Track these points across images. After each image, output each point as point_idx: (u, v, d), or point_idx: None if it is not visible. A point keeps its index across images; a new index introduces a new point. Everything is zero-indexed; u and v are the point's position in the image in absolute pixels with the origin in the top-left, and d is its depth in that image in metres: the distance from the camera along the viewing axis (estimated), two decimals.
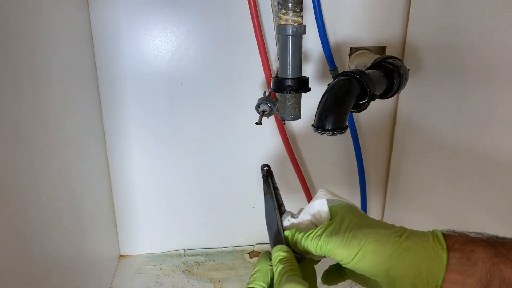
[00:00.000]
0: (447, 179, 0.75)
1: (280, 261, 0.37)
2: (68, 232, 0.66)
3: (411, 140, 0.88)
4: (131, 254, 1.01)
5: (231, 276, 0.93)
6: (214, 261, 0.99)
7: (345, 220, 0.38)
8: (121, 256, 1.01)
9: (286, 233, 0.41)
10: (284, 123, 0.89)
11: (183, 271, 0.95)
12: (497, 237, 0.34)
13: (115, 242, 0.98)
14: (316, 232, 0.38)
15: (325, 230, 0.38)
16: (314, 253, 0.38)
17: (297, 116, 0.73)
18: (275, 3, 0.76)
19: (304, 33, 0.65)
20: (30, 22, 0.56)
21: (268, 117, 0.80)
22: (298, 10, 0.64)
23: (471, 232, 0.35)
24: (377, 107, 0.90)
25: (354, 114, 0.91)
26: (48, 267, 0.58)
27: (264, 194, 0.46)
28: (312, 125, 0.58)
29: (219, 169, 0.96)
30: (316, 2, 0.80)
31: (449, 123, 0.73)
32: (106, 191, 0.92)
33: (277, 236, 0.42)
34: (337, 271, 0.43)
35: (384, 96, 0.70)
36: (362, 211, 0.41)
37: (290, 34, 0.64)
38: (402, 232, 0.36)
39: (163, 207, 0.98)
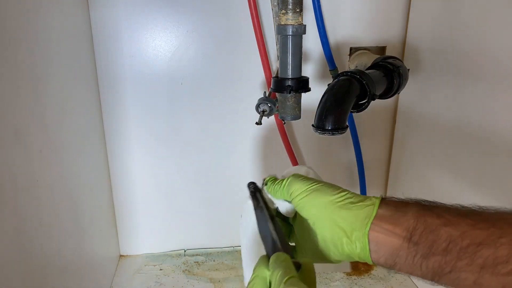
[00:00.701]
0: (447, 179, 0.75)
1: (277, 267, 0.37)
2: (68, 232, 0.66)
3: (411, 140, 0.88)
4: (131, 254, 1.01)
5: (231, 276, 0.93)
6: (214, 261, 0.99)
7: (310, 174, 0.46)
8: (121, 256, 1.01)
9: (267, 181, 0.47)
10: (284, 123, 0.89)
11: (183, 271, 0.95)
12: (429, 201, 0.38)
13: (115, 242, 0.98)
14: (281, 178, 0.45)
15: (290, 177, 0.44)
16: (280, 196, 0.44)
17: (297, 116, 0.73)
18: (275, 3, 0.76)
19: (304, 33, 0.65)
20: (30, 22, 0.56)
21: (268, 117, 0.80)
22: (298, 10, 0.64)
23: (407, 198, 0.39)
24: (377, 107, 0.90)
25: (354, 114, 0.90)
26: (48, 267, 0.58)
27: (254, 209, 0.46)
28: (312, 125, 0.58)
29: (219, 169, 0.96)
30: (316, 2, 0.80)
31: (449, 122, 0.73)
32: (106, 191, 0.92)
33: (274, 246, 0.42)
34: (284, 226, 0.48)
35: (384, 96, 0.70)
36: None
37: (290, 34, 0.64)
38: (347, 191, 0.40)
39: (163, 207, 0.98)
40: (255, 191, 0.48)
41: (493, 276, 0.30)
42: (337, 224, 0.38)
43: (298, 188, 0.41)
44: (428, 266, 0.33)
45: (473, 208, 0.35)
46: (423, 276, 0.34)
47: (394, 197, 0.39)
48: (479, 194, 0.66)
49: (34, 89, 0.56)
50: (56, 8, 0.66)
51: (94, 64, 0.84)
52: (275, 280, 0.35)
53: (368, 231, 0.36)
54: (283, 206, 0.45)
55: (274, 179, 0.47)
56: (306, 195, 0.40)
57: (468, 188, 0.69)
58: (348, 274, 0.93)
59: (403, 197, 0.39)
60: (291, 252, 0.41)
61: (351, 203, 0.38)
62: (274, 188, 0.46)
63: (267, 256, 0.41)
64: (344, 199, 0.39)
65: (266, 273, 0.38)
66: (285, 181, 0.44)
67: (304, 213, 0.41)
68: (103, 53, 0.83)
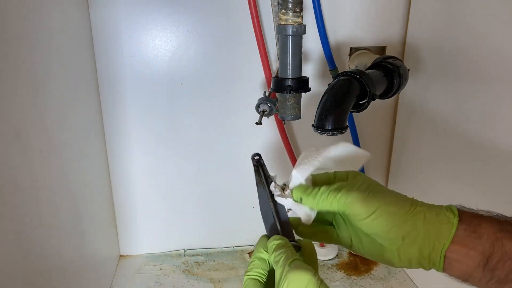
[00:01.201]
0: (448, 179, 0.75)
1: (276, 248, 0.37)
2: (68, 232, 0.66)
3: (411, 140, 0.88)
4: (131, 254, 1.01)
5: (231, 276, 0.93)
6: (214, 261, 0.99)
7: (360, 181, 0.39)
8: (121, 256, 1.01)
9: (295, 191, 0.41)
10: (284, 123, 0.89)
11: (183, 271, 0.95)
12: (505, 216, 0.35)
13: (115, 242, 0.98)
14: (332, 187, 0.38)
15: (341, 186, 0.38)
16: (329, 208, 0.38)
17: (297, 116, 0.73)
18: (275, 3, 0.76)
19: (304, 33, 0.65)
20: (29, 22, 0.56)
21: (268, 117, 0.80)
22: (298, 10, 0.64)
23: (480, 210, 0.36)
24: (377, 107, 0.90)
25: (354, 114, 0.90)
26: (48, 267, 0.58)
27: (257, 185, 0.44)
28: (312, 125, 0.58)
29: (219, 169, 0.96)
30: (316, 2, 0.80)
31: (449, 123, 0.73)
32: (106, 191, 0.92)
33: (273, 227, 0.41)
34: (325, 226, 0.43)
35: (384, 96, 0.70)
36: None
37: (290, 34, 0.64)
38: (416, 201, 0.37)
39: (163, 207, 0.98)
40: (258, 166, 0.44)
41: None
42: (411, 244, 0.35)
43: (364, 212, 0.36)
44: None
45: None
46: None
47: (466, 209, 0.36)
48: (479, 195, 0.66)
49: (34, 89, 0.56)
50: (56, 8, 0.66)
51: (94, 64, 0.84)
52: (278, 264, 0.35)
53: (445, 252, 0.34)
54: (305, 214, 0.41)
55: (308, 187, 0.40)
56: (375, 219, 0.35)
57: (468, 189, 0.68)
58: (348, 274, 0.93)
59: (474, 208, 0.36)
60: (292, 233, 0.41)
61: (425, 220, 0.35)
62: (318, 202, 0.39)
63: (267, 237, 0.40)
64: (416, 214, 0.35)
65: (266, 253, 0.38)
66: (338, 198, 0.37)
67: (370, 232, 0.37)
68: (103, 53, 0.83)
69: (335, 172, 0.42)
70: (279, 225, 0.40)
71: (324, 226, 0.44)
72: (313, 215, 0.41)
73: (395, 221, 0.35)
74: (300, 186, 0.41)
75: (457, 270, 0.34)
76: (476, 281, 0.33)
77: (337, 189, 0.38)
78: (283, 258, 0.35)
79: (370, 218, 0.35)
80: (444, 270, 0.34)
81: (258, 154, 0.44)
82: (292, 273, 0.33)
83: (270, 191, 0.42)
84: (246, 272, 0.38)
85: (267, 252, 0.38)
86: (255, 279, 0.37)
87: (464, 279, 0.34)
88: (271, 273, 0.38)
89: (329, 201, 0.38)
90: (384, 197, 0.36)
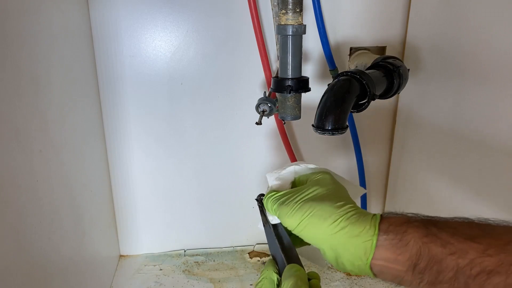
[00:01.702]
0: (448, 178, 0.75)
1: (290, 276, 0.38)
2: (68, 232, 0.66)
3: (411, 140, 0.88)
4: (131, 254, 1.01)
5: (231, 276, 0.93)
6: (214, 261, 0.99)
7: (306, 190, 0.41)
8: (121, 256, 1.01)
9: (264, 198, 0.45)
10: (284, 123, 0.89)
11: (183, 271, 0.95)
12: (432, 217, 0.36)
13: (115, 242, 0.98)
14: (275, 196, 0.43)
15: (282, 196, 0.42)
16: (272, 214, 0.43)
17: (297, 116, 0.73)
18: (275, 3, 0.76)
19: (304, 33, 0.65)
20: (29, 22, 0.56)
21: (268, 117, 0.80)
22: (298, 10, 0.64)
23: (408, 213, 0.37)
24: (377, 107, 0.90)
25: (354, 114, 0.90)
26: (48, 267, 0.58)
27: (263, 225, 0.46)
28: (312, 125, 0.58)
29: (219, 169, 0.96)
30: (316, 2, 0.80)
31: (449, 123, 0.73)
32: (106, 191, 0.92)
33: (282, 264, 0.42)
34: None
35: (384, 96, 0.70)
36: (334, 182, 0.43)
37: (290, 34, 0.64)
38: (346, 212, 0.38)
39: (163, 207, 0.98)
40: (263, 206, 0.47)
41: None
42: (340, 256, 0.37)
43: (291, 224, 0.40)
44: None
45: (481, 223, 0.34)
46: None
47: (392, 215, 0.37)
48: (479, 197, 0.66)
49: (34, 89, 0.56)
50: (56, 8, 0.66)
51: (94, 64, 0.84)
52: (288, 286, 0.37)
53: (370, 262, 0.35)
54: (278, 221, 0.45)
55: (270, 198, 0.45)
56: (301, 231, 0.39)
57: (468, 191, 0.68)
58: (348, 274, 0.93)
59: (401, 210, 0.38)
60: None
61: (347, 236, 0.36)
62: (266, 205, 0.45)
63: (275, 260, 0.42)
64: (339, 231, 0.37)
65: (275, 275, 0.40)
66: (274, 209, 0.42)
67: (306, 239, 0.40)
68: (103, 53, 0.83)
69: (308, 174, 0.46)
70: (287, 263, 0.41)
71: None
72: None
73: (319, 234, 0.37)
74: (267, 197, 0.45)
75: (388, 275, 0.35)
76: (409, 284, 0.34)
77: (275, 199, 0.42)
78: (292, 283, 0.37)
79: (296, 229, 0.39)
80: (376, 276, 0.36)
81: (263, 195, 0.47)
82: None
83: (275, 233, 0.44)
84: None
85: (276, 273, 0.40)
86: None
87: (397, 282, 0.35)
88: None
89: (270, 209, 0.43)
90: (311, 209, 0.38)
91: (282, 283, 0.38)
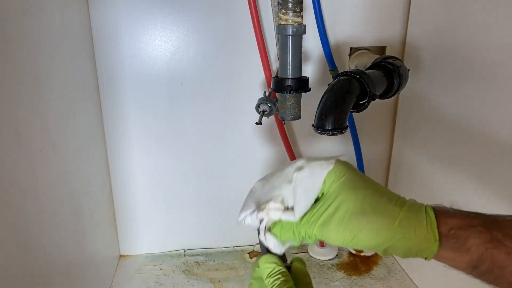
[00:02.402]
0: (448, 178, 0.75)
1: (269, 275, 0.38)
2: (68, 232, 0.66)
3: (411, 140, 0.88)
4: (131, 254, 1.01)
5: (231, 276, 0.93)
6: (214, 261, 0.99)
7: (340, 206, 0.37)
8: (121, 256, 1.01)
9: (275, 229, 0.39)
10: (284, 123, 0.89)
11: (183, 271, 0.95)
12: (495, 218, 0.34)
13: (115, 242, 0.98)
14: (310, 219, 0.37)
15: (318, 217, 0.37)
16: (310, 240, 0.38)
17: (297, 116, 0.73)
18: (275, 3, 0.76)
19: (304, 33, 0.65)
20: (30, 22, 0.56)
21: (268, 117, 0.80)
22: (298, 10, 0.64)
23: (465, 211, 0.35)
24: (377, 107, 0.90)
25: (354, 114, 0.90)
26: (48, 267, 0.58)
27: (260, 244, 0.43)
28: (312, 125, 0.58)
29: (219, 169, 0.96)
30: (316, 2, 0.80)
31: (449, 123, 0.73)
32: (106, 191, 0.92)
33: None
34: None
35: (384, 96, 0.70)
36: (355, 173, 0.40)
37: (290, 34, 0.64)
38: (395, 218, 0.35)
39: (163, 207, 0.98)
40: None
41: None
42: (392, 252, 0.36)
43: (338, 241, 0.36)
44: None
45: None
46: None
47: (445, 209, 0.35)
48: (480, 194, 0.66)
49: (34, 89, 0.56)
50: (56, 8, 0.66)
51: (94, 64, 0.84)
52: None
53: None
54: (279, 248, 0.40)
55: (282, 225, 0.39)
56: (349, 243, 0.36)
57: (468, 189, 0.68)
58: (348, 274, 0.93)
59: (455, 208, 0.36)
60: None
61: (405, 244, 0.34)
62: (301, 232, 0.38)
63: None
64: (395, 242, 0.34)
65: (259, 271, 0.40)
66: (313, 231, 0.37)
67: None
68: (103, 53, 0.83)
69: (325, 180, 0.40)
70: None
71: None
72: (284, 248, 0.40)
73: (371, 245, 0.35)
74: (276, 224, 0.40)
75: (447, 266, 0.35)
76: (466, 274, 0.34)
77: (313, 223, 0.37)
78: (277, 284, 0.36)
79: (344, 244, 0.36)
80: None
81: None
82: None
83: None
84: None
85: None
86: None
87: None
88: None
89: (307, 234, 0.38)
90: (359, 225, 0.35)
91: (264, 279, 0.38)
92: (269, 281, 0.37)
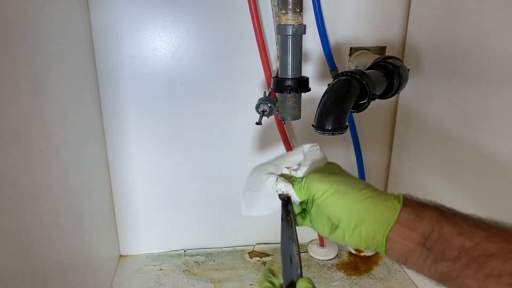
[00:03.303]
0: (448, 178, 0.75)
1: None
2: (68, 232, 0.66)
3: (411, 140, 0.88)
4: (131, 254, 1.01)
5: (231, 276, 0.93)
6: (214, 261, 0.99)
7: (328, 169, 0.46)
8: (121, 256, 1.01)
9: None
10: (284, 123, 0.89)
11: (183, 271, 0.95)
12: (448, 207, 0.39)
13: (115, 242, 0.98)
14: (302, 178, 0.44)
15: (310, 171, 0.44)
16: (302, 195, 0.43)
17: (297, 116, 0.73)
18: (275, 3, 0.76)
19: (304, 33, 0.65)
20: (30, 22, 0.56)
21: (268, 117, 0.80)
22: (298, 10, 0.64)
23: (426, 200, 0.40)
24: (377, 107, 0.90)
25: (354, 114, 0.90)
26: (48, 267, 0.58)
27: (282, 220, 0.44)
28: (312, 125, 0.58)
29: (219, 169, 0.96)
30: (316, 2, 0.80)
31: (449, 123, 0.73)
32: (106, 191, 0.92)
33: (295, 269, 0.42)
34: (300, 215, 0.48)
35: (384, 96, 0.70)
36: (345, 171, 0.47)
37: (290, 34, 0.64)
38: (369, 186, 0.41)
39: (163, 207, 0.98)
40: (287, 202, 0.45)
41: (496, 286, 0.32)
42: (359, 226, 0.39)
43: (320, 189, 0.41)
44: (436, 270, 0.35)
45: (489, 220, 0.36)
46: (430, 277, 0.36)
47: (414, 198, 0.40)
48: (478, 193, 0.66)
49: (34, 89, 0.56)
50: (56, 8, 0.66)
51: (94, 64, 0.84)
52: None
53: (387, 234, 0.37)
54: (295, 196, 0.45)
55: (289, 176, 0.46)
56: (328, 196, 0.40)
57: (467, 188, 0.69)
58: (348, 274, 0.93)
59: (422, 198, 0.39)
60: (300, 272, 0.43)
61: (373, 204, 0.39)
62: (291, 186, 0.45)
63: (285, 273, 0.43)
64: (366, 198, 0.39)
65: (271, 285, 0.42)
66: (304, 181, 0.43)
67: (327, 211, 0.41)
68: (103, 53, 0.83)
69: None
70: (300, 269, 0.42)
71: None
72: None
73: (346, 200, 0.39)
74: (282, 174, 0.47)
75: (397, 251, 0.37)
76: (414, 262, 0.36)
77: (305, 179, 0.43)
78: None
79: (325, 195, 0.40)
80: (386, 252, 0.38)
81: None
82: None
83: (294, 230, 0.44)
84: None
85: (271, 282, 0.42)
86: None
87: (403, 260, 0.37)
88: None
89: (299, 186, 0.43)
90: (338, 179, 0.41)
91: None
92: None
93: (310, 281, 0.40)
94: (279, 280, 0.42)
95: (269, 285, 0.42)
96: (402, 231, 0.37)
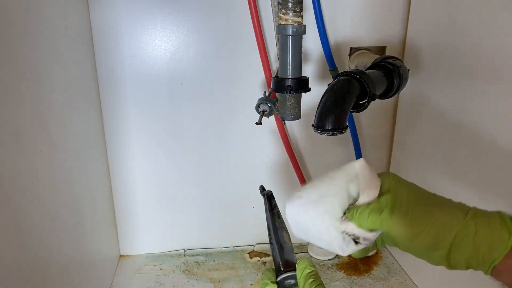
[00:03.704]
0: (448, 178, 0.75)
1: (308, 275, 0.39)
2: (68, 232, 0.66)
3: (411, 140, 0.88)
4: (131, 254, 1.01)
5: (231, 276, 0.93)
6: (214, 261, 0.99)
7: (401, 194, 0.36)
8: (121, 256, 1.01)
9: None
10: (284, 123, 0.89)
11: (183, 271, 0.95)
12: None
13: (115, 242, 0.98)
14: (373, 207, 0.36)
15: (384, 205, 0.35)
16: (367, 227, 0.36)
17: (297, 116, 0.73)
18: (275, 3, 0.76)
19: (304, 33, 0.65)
20: (30, 22, 0.56)
21: (268, 117, 0.80)
22: (298, 10, 0.64)
23: None
24: (377, 107, 0.90)
25: (354, 114, 0.90)
26: (48, 267, 0.58)
27: (268, 210, 0.46)
28: (312, 125, 0.58)
29: (219, 169, 0.96)
30: (316, 2, 0.80)
31: (449, 123, 0.73)
32: (106, 191, 0.92)
33: (288, 255, 0.43)
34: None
35: (384, 96, 0.70)
36: (411, 183, 0.38)
37: (290, 34, 0.64)
38: (466, 211, 0.34)
39: (163, 207, 0.98)
40: (271, 197, 0.46)
41: None
42: (457, 256, 0.34)
43: (406, 233, 0.34)
44: None
45: None
46: None
47: None
48: (480, 195, 0.66)
49: (34, 89, 0.56)
50: (56, 8, 0.66)
51: (94, 64, 0.84)
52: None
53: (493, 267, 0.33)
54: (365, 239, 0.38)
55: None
56: (420, 241, 0.34)
57: (469, 189, 0.68)
58: (348, 274, 0.93)
59: None
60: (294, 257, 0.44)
61: (476, 236, 0.33)
62: (360, 220, 0.37)
63: (270, 270, 0.43)
64: (469, 232, 0.33)
65: (271, 285, 0.41)
66: (380, 221, 0.35)
67: (411, 250, 0.36)
68: (103, 53, 0.83)
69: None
70: (285, 251, 0.43)
71: None
72: (370, 236, 0.38)
73: (441, 241, 0.33)
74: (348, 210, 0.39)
75: (504, 280, 0.33)
76: None
77: (377, 211, 0.35)
78: (310, 282, 0.38)
79: (414, 241, 0.34)
80: (491, 275, 0.33)
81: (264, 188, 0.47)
82: None
83: (281, 222, 0.44)
84: None
85: (273, 283, 0.42)
86: None
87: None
88: None
89: (369, 222, 0.36)
90: (430, 215, 0.34)
91: (298, 279, 0.39)
92: (307, 282, 0.38)
93: (310, 261, 0.40)
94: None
95: (269, 282, 0.41)
96: (511, 264, 0.32)
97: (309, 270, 0.40)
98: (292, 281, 0.41)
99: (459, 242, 0.33)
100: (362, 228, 0.37)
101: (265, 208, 0.46)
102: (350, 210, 0.37)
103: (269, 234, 0.45)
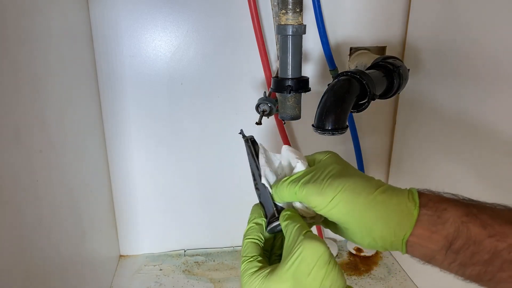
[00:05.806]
0: (448, 177, 0.75)
1: (289, 217, 0.38)
2: (68, 232, 0.66)
3: (411, 140, 0.88)
4: (131, 254, 1.01)
5: (231, 276, 0.93)
6: (214, 261, 0.99)
7: (326, 168, 0.38)
8: (121, 256, 1.01)
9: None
10: (284, 123, 0.89)
11: (183, 271, 0.95)
12: (472, 200, 0.35)
13: (115, 242, 0.98)
14: (292, 178, 0.39)
15: (303, 177, 0.38)
16: (289, 199, 0.39)
17: (297, 116, 0.73)
18: (275, 3, 0.76)
19: (304, 33, 0.65)
20: (29, 22, 0.56)
21: (268, 117, 0.80)
22: (298, 10, 0.64)
23: (446, 193, 0.36)
24: (377, 107, 0.90)
25: (354, 114, 0.90)
26: (48, 267, 0.58)
27: (251, 155, 0.47)
28: (312, 125, 0.58)
29: (219, 169, 0.96)
30: (316, 2, 0.80)
31: (449, 123, 0.73)
32: (106, 191, 0.92)
33: (271, 198, 0.42)
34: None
35: (384, 96, 0.70)
36: (346, 161, 0.41)
37: (290, 34, 0.64)
38: (379, 185, 0.36)
39: (163, 207, 0.98)
40: (254, 142, 0.48)
41: None
42: (372, 234, 0.35)
43: (322, 201, 0.36)
44: (464, 273, 0.32)
45: None
46: (458, 276, 0.33)
47: (431, 193, 0.35)
48: (479, 194, 0.66)
49: (34, 89, 0.56)
50: (56, 8, 0.66)
51: (94, 64, 0.84)
52: (292, 230, 0.36)
53: (406, 240, 0.34)
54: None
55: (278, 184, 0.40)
56: (334, 207, 0.35)
57: (469, 188, 0.68)
58: (348, 274, 0.93)
59: (440, 191, 0.35)
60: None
61: (386, 211, 0.34)
62: (283, 195, 0.40)
63: (259, 205, 0.44)
64: (376, 205, 0.34)
65: (262, 220, 0.42)
66: (295, 191, 0.38)
67: (334, 220, 0.37)
68: (103, 53, 0.83)
69: (312, 154, 0.43)
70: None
71: None
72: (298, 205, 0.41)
73: (352, 210, 0.35)
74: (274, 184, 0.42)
75: (419, 253, 0.34)
76: (439, 263, 0.33)
77: (294, 182, 0.38)
78: (297, 226, 0.36)
79: (326, 208, 0.36)
80: (407, 252, 0.35)
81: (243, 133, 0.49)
82: (308, 242, 0.33)
83: (255, 160, 0.45)
84: (245, 236, 0.41)
85: (263, 218, 0.42)
86: (254, 242, 0.40)
87: (427, 260, 0.34)
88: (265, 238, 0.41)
89: (288, 194, 0.39)
90: (342, 184, 0.35)
91: (285, 225, 0.38)
92: (288, 223, 0.37)
93: (294, 211, 0.40)
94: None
95: (257, 216, 0.41)
96: (422, 234, 0.33)
97: (290, 212, 0.39)
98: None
99: (368, 214, 0.34)
100: (283, 201, 0.40)
101: (248, 153, 0.48)
102: (273, 185, 0.41)
103: (254, 180, 0.45)
